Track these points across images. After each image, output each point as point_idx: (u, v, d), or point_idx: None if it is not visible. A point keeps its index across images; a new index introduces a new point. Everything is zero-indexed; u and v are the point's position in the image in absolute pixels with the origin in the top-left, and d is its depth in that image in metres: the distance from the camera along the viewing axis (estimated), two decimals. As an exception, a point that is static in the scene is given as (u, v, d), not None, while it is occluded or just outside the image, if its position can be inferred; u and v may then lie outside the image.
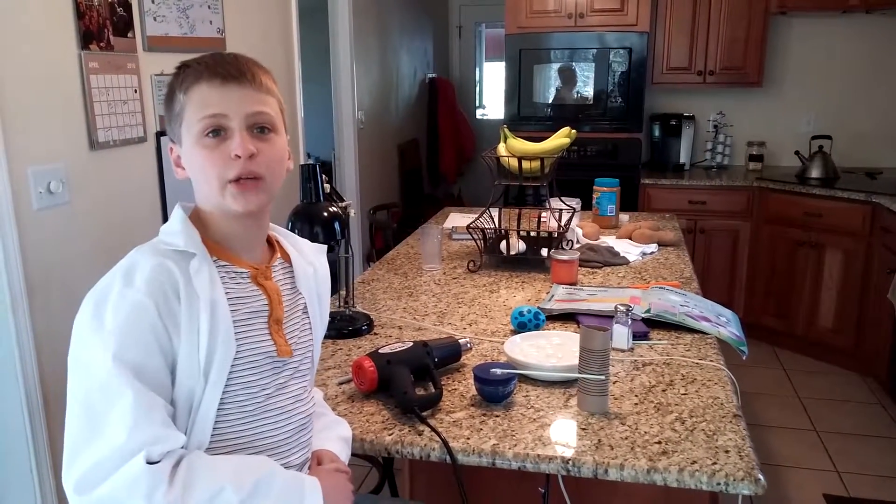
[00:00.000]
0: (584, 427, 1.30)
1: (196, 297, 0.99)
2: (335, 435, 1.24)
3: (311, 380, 1.22)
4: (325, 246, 1.27)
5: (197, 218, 1.08)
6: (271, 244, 1.17)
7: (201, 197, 1.07)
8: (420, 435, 1.28)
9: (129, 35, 2.38)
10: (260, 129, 1.04)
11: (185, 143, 1.03)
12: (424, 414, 1.34)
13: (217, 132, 1.01)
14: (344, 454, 1.22)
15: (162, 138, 2.57)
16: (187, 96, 1.02)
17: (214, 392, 1.00)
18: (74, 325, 0.98)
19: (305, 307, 1.17)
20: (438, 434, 1.26)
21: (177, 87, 1.04)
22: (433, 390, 1.40)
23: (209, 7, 2.82)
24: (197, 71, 1.02)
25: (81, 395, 0.95)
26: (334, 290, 1.98)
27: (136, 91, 2.41)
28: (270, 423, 1.08)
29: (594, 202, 2.90)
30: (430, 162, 6.36)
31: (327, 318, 1.25)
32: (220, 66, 1.02)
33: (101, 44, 2.24)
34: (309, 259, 1.20)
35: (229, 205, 1.03)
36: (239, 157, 1.01)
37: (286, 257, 1.16)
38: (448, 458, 1.23)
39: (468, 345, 1.61)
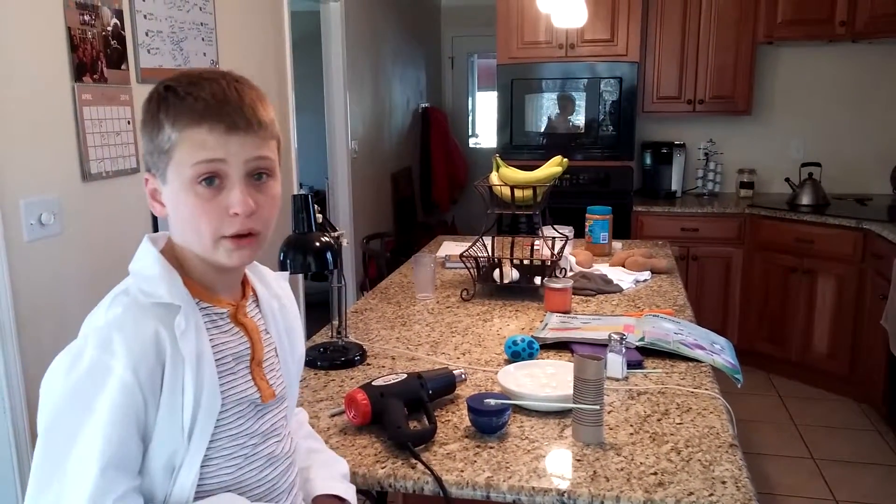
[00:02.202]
0: (579, 458, 1.29)
1: (181, 358, 0.92)
2: (338, 474, 1.19)
3: (290, 417, 1.16)
4: (287, 272, 1.23)
5: (172, 256, 0.99)
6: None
7: (182, 241, 0.98)
8: (413, 468, 1.26)
9: (123, 67, 2.39)
10: (258, 175, 0.95)
11: (173, 183, 0.93)
12: (418, 448, 1.32)
13: (212, 180, 0.92)
14: (351, 495, 1.17)
15: (155, 169, 2.57)
16: (181, 135, 0.91)
17: (198, 449, 0.94)
18: (45, 388, 0.90)
19: (275, 345, 1.11)
20: (431, 471, 1.24)
21: (165, 120, 0.92)
22: (427, 423, 1.39)
23: (203, 39, 2.84)
24: (194, 111, 0.91)
25: (46, 464, 0.88)
26: (326, 320, 1.98)
27: (129, 122, 2.42)
28: (257, 472, 1.02)
29: (587, 230, 2.91)
30: (423, 190, 6.38)
31: (303, 349, 1.20)
32: (224, 111, 0.91)
33: (95, 76, 2.25)
34: (274, 291, 1.13)
35: (221, 260, 0.96)
36: (238, 214, 0.93)
37: (253, 291, 1.10)
38: (441, 493, 1.22)
39: (463, 376, 1.59)
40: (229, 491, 0.99)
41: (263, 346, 1.06)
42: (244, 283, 1.08)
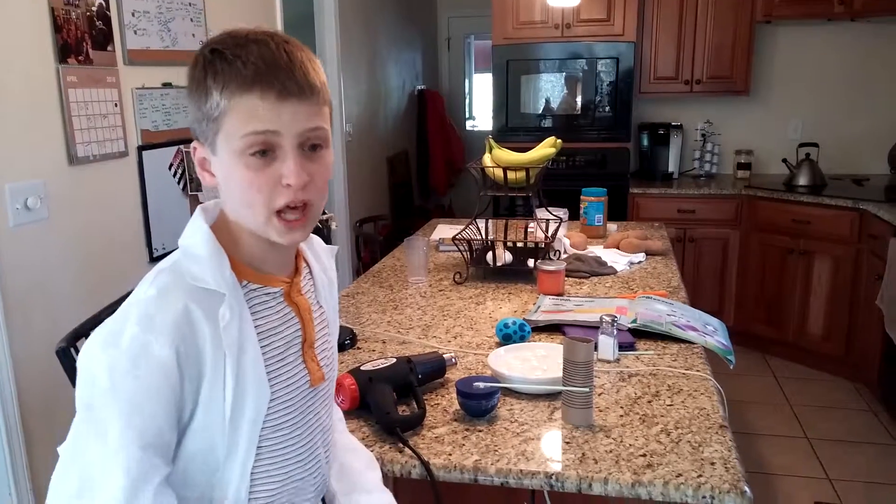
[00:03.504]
0: (568, 441, 1.28)
1: (222, 345, 0.89)
2: (373, 484, 1.17)
3: (331, 403, 1.14)
4: (335, 248, 1.20)
5: (225, 229, 0.95)
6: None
7: (235, 214, 0.94)
8: (401, 453, 1.25)
9: (109, 48, 2.36)
10: (312, 146, 0.91)
11: (222, 153, 0.89)
12: (406, 433, 1.31)
13: (264, 151, 0.88)
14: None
15: (145, 152, 2.54)
16: (230, 103, 0.86)
17: (249, 443, 0.92)
18: (84, 364, 0.87)
19: (327, 321, 1.09)
20: (419, 456, 1.23)
21: (213, 86, 0.87)
22: (416, 407, 1.38)
23: (192, 20, 2.80)
24: (244, 76, 0.86)
25: (80, 445, 0.86)
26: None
27: (116, 105, 2.39)
28: (301, 466, 1.01)
29: (582, 212, 2.89)
30: (420, 174, 6.35)
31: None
32: (275, 76, 0.86)
33: (80, 57, 2.22)
34: (324, 265, 1.11)
35: (272, 236, 0.92)
36: (290, 185, 0.89)
37: (307, 263, 1.07)
38: (428, 477, 1.21)
39: (453, 360, 1.58)
40: (283, 492, 0.98)
41: (315, 325, 1.03)
42: (297, 256, 1.05)
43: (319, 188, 0.93)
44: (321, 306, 1.07)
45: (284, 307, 0.99)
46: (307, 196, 0.91)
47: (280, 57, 0.87)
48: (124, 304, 0.89)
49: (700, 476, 1.15)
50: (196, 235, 0.93)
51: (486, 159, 2.38)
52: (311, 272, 1.07)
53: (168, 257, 0.94)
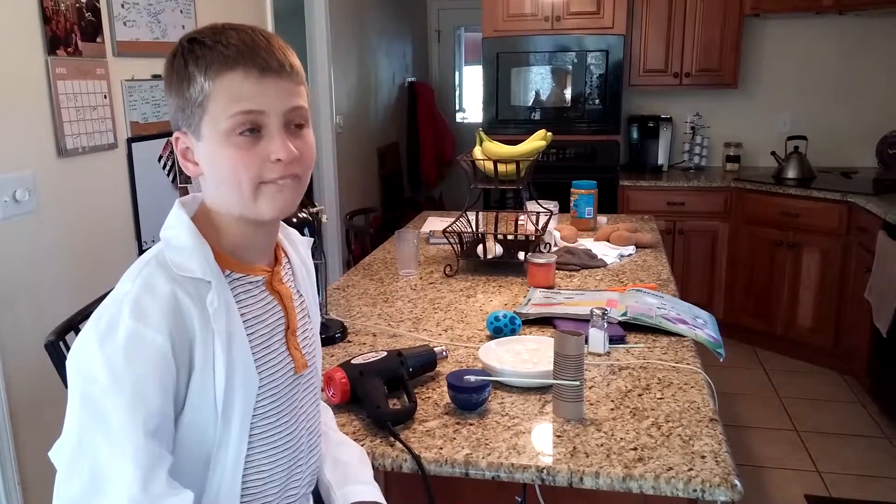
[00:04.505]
0: (559, 434, 1.28)
1: (211, 333, 0.90)
2: (366, 477, 1.17)
3: (319, 392, 1.15)
4: (311, 239, 1.21)
5: (206, 220, 0.96)
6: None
7: (219, 200, 0.95)
8: (392, 447, 1.26)
9: (98, 40, 2.34)
10: (296, 124, 0.94)
11: (208, 138, 0.90)
12: (397, 427, 1.31)
13: (252, 130, 0.90)
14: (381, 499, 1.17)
15: (134, 144, 2.52)
16: (215, 84, 0.88)
17: (240, 433, 0.93)
18: (77, 362, 0.87)
19: (308, 310, 1.10)
20: (410, 450, 1.23)
21: (196, 70, 0.89)
22: (407, 401, 1.38)
23: (181, 11, 2.78)
24: (226, 56, 0.88)
25: (86, 442, 0.85)
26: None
27: (105, 97, 2.37)
28: (288, 454, 1.01)
29: (572, 204, 2.89)
30: (410, 166, 6.33)
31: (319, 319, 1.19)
32: (256, 54, 0.89)
33: (69, 49, 2.20)
34: (301, 255, 1.13)
35: (262, 209, 0.93)
36: (280, 160, 0.91)
37: (286, 254, 1.09)
38: (419, 471, 1.21)
39: (444, 353, 1.58)
40: (271, 482, 0.99)
41: (296, 313, 1.04)
42: (276, 247, 1.06)
43: (306, 164, 0.95)
44: (301, 295, 1.09)
45: (267, 295, 1.00)
46: (295, 169, 0.93)
47: (259, 40, 0.91)
48: (109, 298, 0.89)
49: (691, 470, 1.16)
50: (178, 227, 0.94)
51: (477, 152, 2.38)
52: (289, 261, 1.08)
53: (149, 251, 0.95)
